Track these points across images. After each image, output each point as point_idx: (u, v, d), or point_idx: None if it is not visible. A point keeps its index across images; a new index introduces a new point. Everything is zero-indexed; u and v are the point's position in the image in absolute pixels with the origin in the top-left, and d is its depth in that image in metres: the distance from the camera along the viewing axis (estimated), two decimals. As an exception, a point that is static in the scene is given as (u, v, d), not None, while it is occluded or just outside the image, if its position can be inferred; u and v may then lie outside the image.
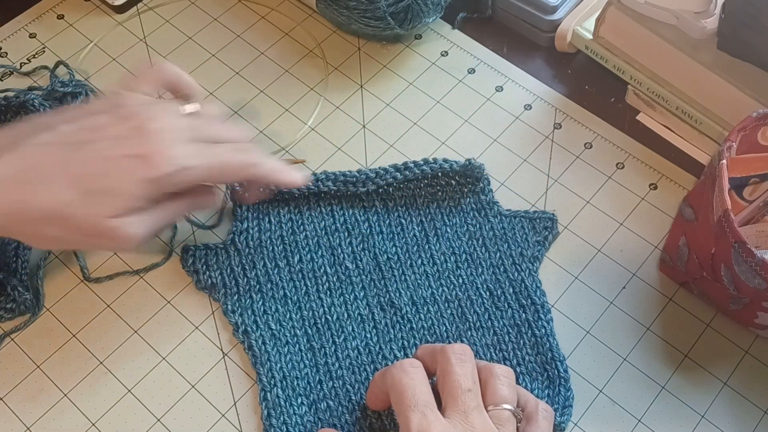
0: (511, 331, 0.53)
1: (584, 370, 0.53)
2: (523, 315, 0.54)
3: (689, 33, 0.58)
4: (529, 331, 0.53)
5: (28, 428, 0.50)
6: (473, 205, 0.59)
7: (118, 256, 0.57)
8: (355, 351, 0.53)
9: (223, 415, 0.51)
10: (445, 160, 0.57)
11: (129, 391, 0.52)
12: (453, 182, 0.58)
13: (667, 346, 0.54)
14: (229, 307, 0.54)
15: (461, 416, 0.41)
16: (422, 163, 0.58)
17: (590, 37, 0.64)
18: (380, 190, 0.58)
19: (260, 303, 0.54)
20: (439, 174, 0.58)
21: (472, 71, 0.67)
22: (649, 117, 0.64)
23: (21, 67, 0.67)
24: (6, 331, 0.54)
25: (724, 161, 0.47)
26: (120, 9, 0.70)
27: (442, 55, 0.68)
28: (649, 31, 0.59)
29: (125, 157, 0.41)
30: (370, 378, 0.51)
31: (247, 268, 0.55)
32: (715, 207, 0.46)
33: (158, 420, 0.51)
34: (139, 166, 0.41)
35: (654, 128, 0.64)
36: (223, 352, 0.53)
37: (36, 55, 0.68)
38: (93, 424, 0.51)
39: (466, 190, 0.58)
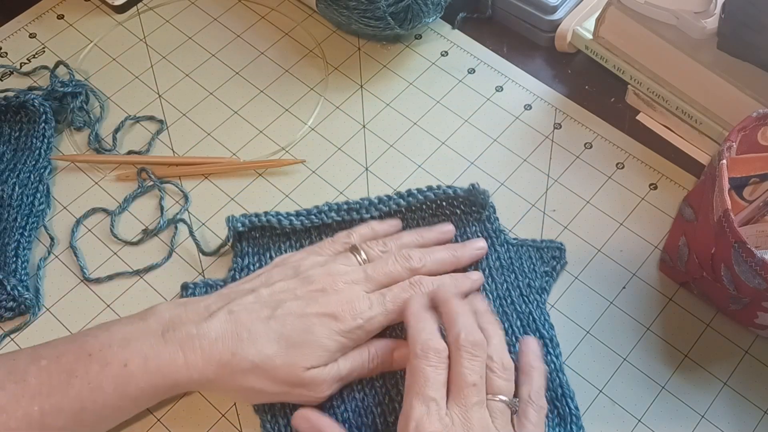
0: (517, 364, 0.50)
1: (584, 370, 0.53)
2: None
3: (689, 33, 0.58)
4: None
5: (29, 428, 0.50)
6: (478, 234, 0.57)
7: (118, 256, 0.58)
8: (361, 393, 0.51)
9: (223, 415, 0.51)
10: (449, 187, 0.56)
11: (129, 391, 0.52)
12: (458, 211, 0.57)
13: (667, 346, 0.54)
14: None
15: (462, 410, 0.43)
16: (426, 189, 0.56)
17: (590, 37, 0.64)
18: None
19: None
20: (444, 204, 0.57)
21: (472, 71, 0.67)
22: (649, 117, 0.64)
23: (21, 67, 0.67)
24: (6, 331, 0.54)
25: (724, 161, 0.47)
26: (120, 9, 0.70)
27: (442, 55, 0.68)
28: (649, 31, 0.59)
29: (317, 315, 0.47)
30: (377, 421, 0.50)
31: None
32: (715, 207, 0.46)
33: (158, 420, 0.51)
34: (331, 322, 0.47)
35: (654, 128, 0.64)
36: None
37: (36, 55, 0.68)
38: (93, 424, 0.51)
39: (471, 218, 0.57)
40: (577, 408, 0.50)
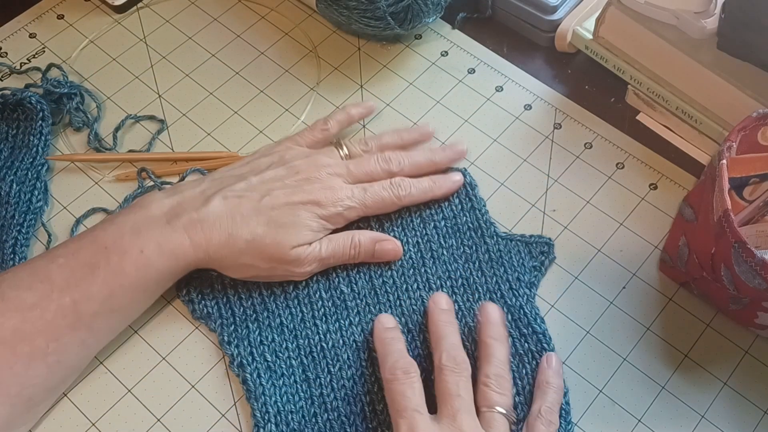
0: (512, 360, 0.52)
1: (584, 370, 0.53)
2: (526, 345, 0.52)
3: (689, 33, 0.58)
4: (533, 362, 0.52)
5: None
6: (470, 224, 0.58)
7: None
8: (351, 381, 0.51)
9: (223, 415, 0.51)
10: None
11: (129, 391, 0.52)
12: (448, 201, 0.58)
13: (667, 346, 0.54)
14: (226, 338, 0.53)
15: (450, 419, 0.45)
16: None
17: (590, 37, 0.64)
18: None
19: (257, 333, 0.53)
20: None
21: (472, 71, 0.67)
22: (649, 117, 0.64)
23: (21, 67, 0.67)
24: (6, 331, 0.54)
25: (724, 161, 0.47)
26: (120, 9, 0.70)
27: (442, 55, 0.68)
28: (649, 31, 0.59)
29: (302, 202, 0.53)
30: (366, 409, 0.51)
31: (243, 296, 0.54)
32: (715, 207, 0.46)
33: (158, 420, 0.51)
34: (314, 207, 0.53)
35: (654, 128, 0.64)
36: (223, 352, 0.53)
37: (36, 55, 0.68)
38: (93, 424, 0.51)
39: (462, 207, 0.58)
40: (567, 404, 0.50)
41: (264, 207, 0.52)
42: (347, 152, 0.57)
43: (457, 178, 0.59)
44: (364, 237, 0.55)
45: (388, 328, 0.51)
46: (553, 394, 0.49)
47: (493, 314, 0.51)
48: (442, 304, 0.52)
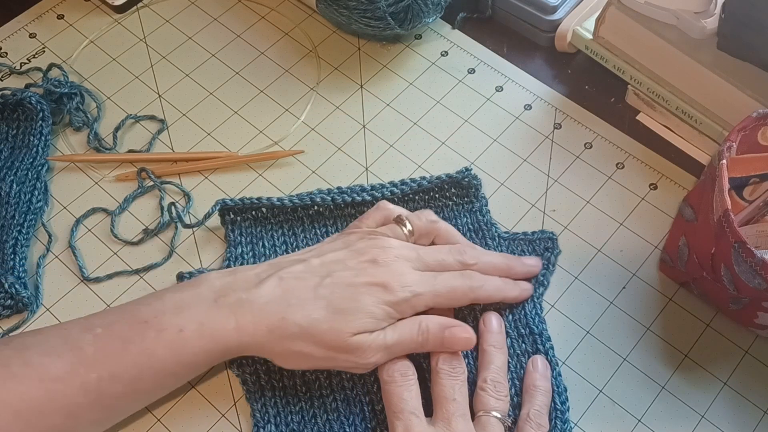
0: (510, 360, 0.52)
1: (584, 370, 0.53)
2: (523, 345, 0.53)
3: (689, 33, 0.58)
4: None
5: (28, 428, 0.50)
6: (470, 226, 0.58)
7: (118, 256, 0.58)
8: (350, 381, 0.51)
9: (223, 415, 0.51)
10: (444, 174, 0.58)
11: (129, 391, 0.52)
12: (450, 203, 0.58)
13: (667, 346, 0.54)
14: None
15: (445, 423, 0.46)
16: (419, 178, 0.58)
17: (590, 37, 0.64)
18: None
19: None
20: (437, 195, 0.58)
21: (472, 71, 0.67)
22: (649, 117, 0.64)
23: (21, 67, 0.67)
24: (5, 330, 0.54)
25: (724, 161, 0.47)
26: (120, 9, 0.70)
27: (442, 55, 0.68)
28: (649, 31, 0.59)
29: (366, 284, 0.48)
30: (365, 410, 0.51)
31: None
32: (715, 207, 0.46)
33: (158, 420, 0.51)
34: (379, 291, 0.48)
35: (654, 128, 0.64)
36: (222, 352, 0.53)
37: (36, 55, 0.68)
38: (93, 424, 0.51)
39: (463, 209, 0.57)
40: (563, 404, 0.50)
41: (323, 290, 0.48)
42: (410, 228, 0.52)
43: (527, 287, 0.55)
44: (433, 323, 0.49)
45: None
46: (541, 397, 0.49)
47: (493, 323, 0.52)
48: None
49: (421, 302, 0.49)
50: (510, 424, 0.48)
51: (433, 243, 0.54)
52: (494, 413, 0.48)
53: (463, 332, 0.49)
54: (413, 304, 0.49)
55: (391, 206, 0.54)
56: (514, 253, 0.57)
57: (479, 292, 0.51)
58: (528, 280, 0.55)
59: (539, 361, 0.51)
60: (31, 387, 0.43)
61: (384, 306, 0.48)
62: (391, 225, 0.53)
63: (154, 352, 0.45)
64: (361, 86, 0.66)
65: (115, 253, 0.58)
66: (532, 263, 0.56)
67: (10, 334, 0.53)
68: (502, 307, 0.54)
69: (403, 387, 0.47)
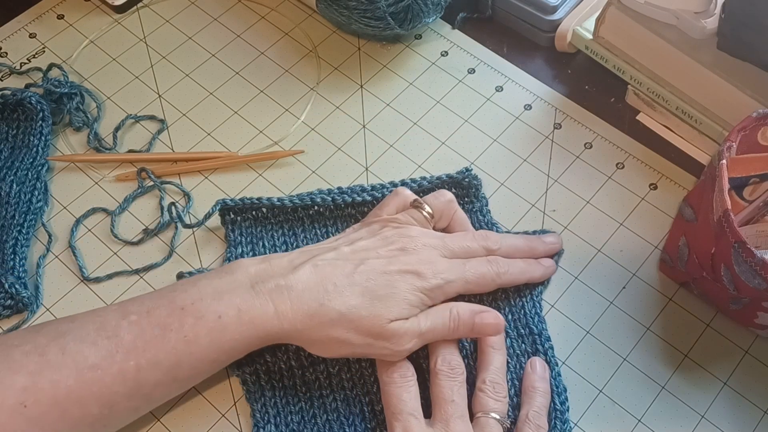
0: (510, 360, 0.52)
1: (584, 370, 0.53)
2: (523, 345, 0.53)
3: (689, 33, 0.58)
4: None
5: (28, 428, 0.50)
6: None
7: (118, 256, 0.58)
8: (350, 382, 0.51)
9: (223, 415, 0.51)
10: (444, 174, 0.58)
11: (129, 391, 0.52)
12: None
13: (667, 346, 0.54)
14: None
15: (443, 424, 0.46)
16: (419, 178, 0.58)
17: (590, 37, 0.64)
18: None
19: None
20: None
21: (472, 71, 0.67)
22: (649, 117, 0.64)
23: (21, 67, 0.67)
24: (5, 330, 0.54)
25: (724, 161, 0.47)
26: (120, 9, 0.70)
27: (442, 55, 0.68)
28: (649, 31, 0.59)
29: (399, 272, 0.48)
30: (365, 410, 0.51)
31: None
32: (715, 207, 0.46)
33: (158, 420, 0.51)
34: (413, 278, 0.49)
35: (654, 128, 0.64)
36: (222, 352, 0.53)
37: (36, 55, 0.68)
38: (93, 424, 0.51)
39: (463, 209, 0.57)
40: (563, 404, 0.50)
41: (359, 276, 0.48)
42: (430, 210, 0.53)
43: (550, 263, 0.56)
44: (463, 309, 0.50)
45: None
46: (540, 399, 0.49)
47: (494, 324, 0.51)
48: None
49: (452, 289, 0.50)
50: (509, 425, 0.48)
51: (449, 228, 0.55)
52: (493, 414, 0.48)
53: (492, 318, 0.50)
54: (445, 291, 0.50)
55: (408, 191, 0.55)
56: None
57: (506, 278, 0.52)
58: (551, 257, 0.56)
59: (537, 363, 0.51)
60: (65, 375, 0.43)
61: (419, 293, 0.49)
62: (409, 210, 0.53)
63: (194, 339, 0.45)
64: (361, 86, 0.66)
65: (115, 253, 0.58)
66: (552, 240, 0.57)
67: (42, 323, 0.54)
68: (501, 307, 0.54)
69: (402, 388, 0.48)
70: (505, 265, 0.53)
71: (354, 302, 0.47)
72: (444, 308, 0.50)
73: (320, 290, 0.47)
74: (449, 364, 0.49)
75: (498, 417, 0.48)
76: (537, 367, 0.51)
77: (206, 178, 0.61)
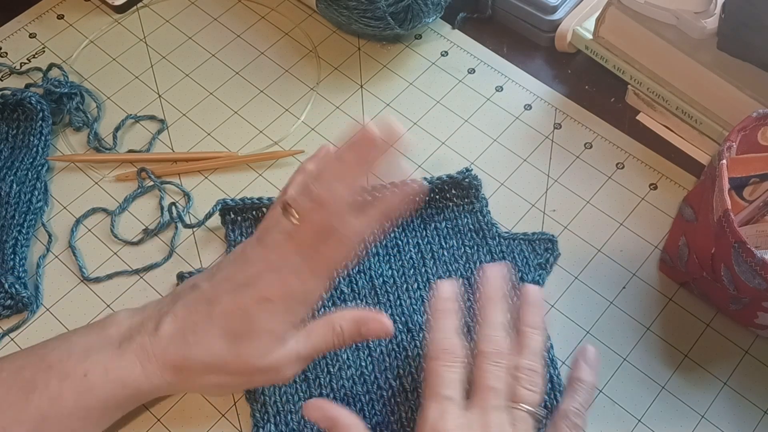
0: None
1: (584, 370, 0.53)
2: None
3: (689, 33, 0.58)
4: None
5: (28, 428, 0.50)
6: (471, 226, 0.58)
7: (118, 256, 0.58)
8: (350, 381, 0.51)
9: (223, 415, 0.51)
10: (444, 175, 0.58)
11: (129, 391, 0.52)
12: (450, 204, 0.58)
13: (667, 346, 0.54)
14: None
15: (481, 412, 0.43)
16: (418, 178, 0.57)
17: (590, 37, 0.64)
18: None
19: None
20: (437, 196, 0.58)
21: (472, 71, 0.67)
22: (649, 117, 0.64)
23: (21, 67, 0.67)
24: (5, 330, 0.54)
25: (724, 161, 0.47)
26: (120, 9, 0.70)
27: (442, 55, 0.68)
28: (649, 31, 0.59)
29: (253, 301, 0.45)
30: (365, 409, 0.50)
31: None
32: (715, 207, 0.46)
33: (158, 420, 0.51)
34: (269, 305, 0.45)
35: (654, 128, 0.64)
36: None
37: (36, 55, 0.68)
38: (93, 424, 0.51)
39: (463, 209, 0.57)
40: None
41: (217, 318, 0.45)
42: (296, 215, 0.45)
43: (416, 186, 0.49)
44: (346, 322, 0.47)
45: (443, 298, 0.47)
46: (585, 395, 0.46)
47: (533, 295, 0.47)
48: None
49: (314, 298, 0.46)
50: (542, 416, 0.44)
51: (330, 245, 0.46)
52: (523, 406, 0.44)
53: (377, 324, 0.47)
54: (311, 303, 0.46)
55: (309, 167, 0.48)
56: (513, 253, 0.56)
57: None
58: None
59: (589, 352, 0.47)
60: None
61: (281, 319, 0.45)
62: (274, 211, 0.47)
63: (59, 397, 0.44)
64: (361, 86, 0.66)
65: (115, 253, 0.58)
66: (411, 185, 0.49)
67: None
68: None
69: (445, 367, 0.44)
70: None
71: (216, 348, 0.44)
72: (325, 324, 0.47)
73: (182, 342, 0.45)
74: (494, 349, 0.45)
75: (530, 409, 0.44)
76: (588, 357, 0.47)
77: (206, 178, 0.61)
